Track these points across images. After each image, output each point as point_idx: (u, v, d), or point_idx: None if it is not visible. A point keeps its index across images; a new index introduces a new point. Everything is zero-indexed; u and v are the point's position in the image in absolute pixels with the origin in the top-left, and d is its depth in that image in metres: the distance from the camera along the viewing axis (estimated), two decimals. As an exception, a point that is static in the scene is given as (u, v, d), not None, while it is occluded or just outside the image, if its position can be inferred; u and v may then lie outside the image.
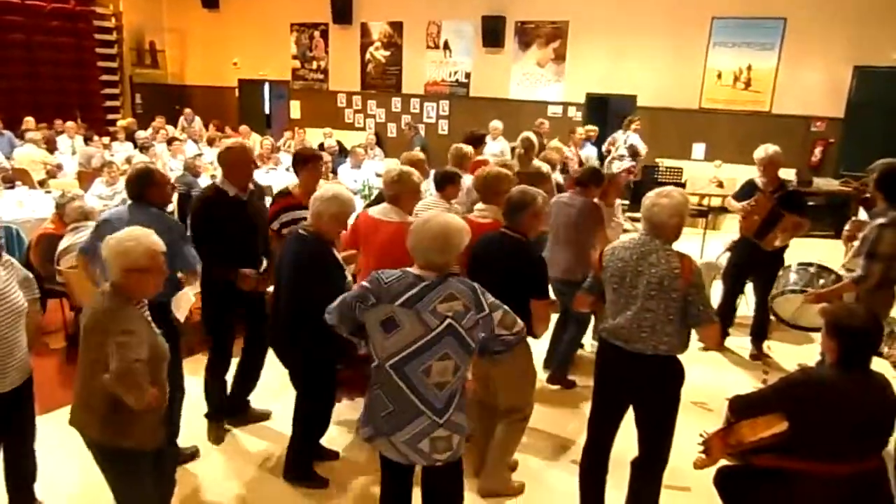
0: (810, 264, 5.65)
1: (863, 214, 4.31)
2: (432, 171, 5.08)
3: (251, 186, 3.94)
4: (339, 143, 12.03)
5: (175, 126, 12.95)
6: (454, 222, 2.67)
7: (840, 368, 2.59)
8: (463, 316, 2.53)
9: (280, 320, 3.49)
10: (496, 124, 9.63)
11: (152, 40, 16.09)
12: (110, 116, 14.69)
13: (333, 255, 3.37)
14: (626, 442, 3.20)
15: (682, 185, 8.63)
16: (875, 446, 2.61)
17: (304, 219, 4.25)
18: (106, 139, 11.31)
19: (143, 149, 9.56)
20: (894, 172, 4.01)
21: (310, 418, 3.64)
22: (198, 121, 13.50)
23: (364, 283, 2.66)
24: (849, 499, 2.51)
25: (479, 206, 4.11)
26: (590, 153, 10.10)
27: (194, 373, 4.68)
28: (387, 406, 2.63)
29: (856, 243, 4.12)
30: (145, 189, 3.60)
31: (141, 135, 10.29)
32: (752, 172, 5.50)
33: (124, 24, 15.28)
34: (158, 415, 2.63)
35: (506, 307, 2.66)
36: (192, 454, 3.92)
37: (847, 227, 4.47)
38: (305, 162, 4.34)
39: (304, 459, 3.70)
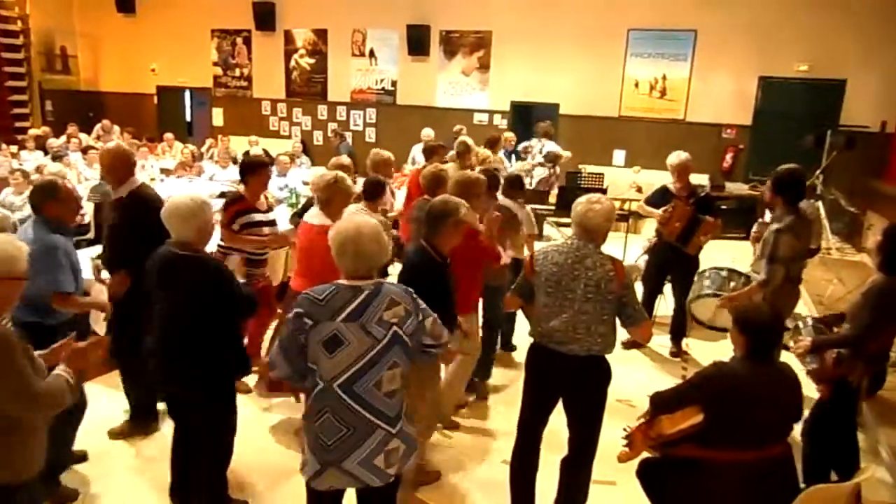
0: (722, 268, 5.97)
1: (769, 216, 4.58)
2: (360, 180, 5.13)
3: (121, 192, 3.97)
4: (265, 151, 11.83)
5: (89, 134, 12.44)
6: (375, 222, 2.61)
7: (749, 361, 2.76)
8: (405, 321, 2.49)
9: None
10: (428, 132, 9.68)
11: (63, 45, 15.39)
12: (18, 124, 13.92)
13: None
14: (555, 440, 3.29)
15: (604, 191, 8.90)
16: (781, 433, 2.79)
17: (260, 222, 4.53)
18: (14, 147, 10.76)
19: (56, 157, 9.15)
20: (789, 176, 4.29)
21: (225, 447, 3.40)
22: (116, 129, 13.01)
23: (295, 310, 2.46)
24: (758, 484, 2.66)
25: None
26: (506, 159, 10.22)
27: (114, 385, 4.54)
28: (338, 430, 2.46)
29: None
30: (44, 202, 3.52)
31: (54, 143, 9.82)
32: (670, 177, 5.74)
33: (32, 27, 14.52)
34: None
35: (436, 315, 2.62)
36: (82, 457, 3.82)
37: (754, 228, 4.74)
38: (253, 170, 4.61)
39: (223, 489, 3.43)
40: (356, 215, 2.74)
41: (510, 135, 10.21)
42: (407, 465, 2.62)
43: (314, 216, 4.06)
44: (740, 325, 2.78)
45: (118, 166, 4.00)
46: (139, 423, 4.21)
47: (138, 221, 3.78)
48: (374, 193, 4.74)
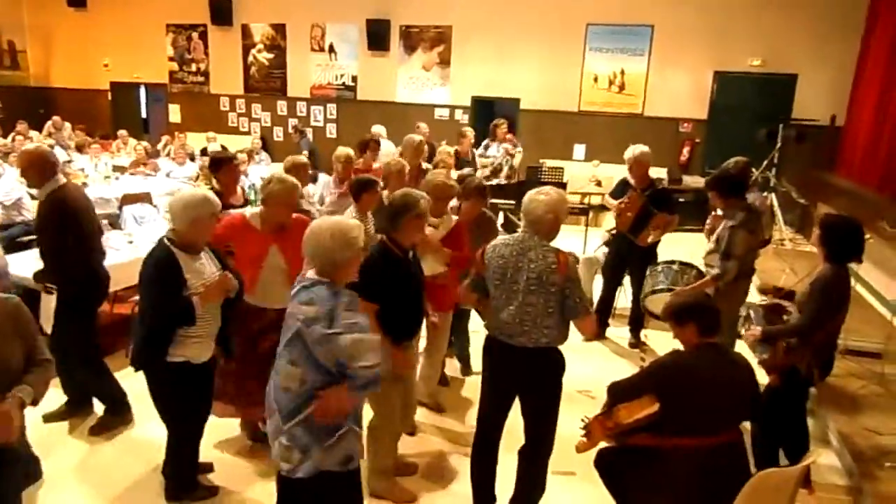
0: (672, 262, 6.03)
1: (719, 209, 4.67)
2: (323, 176, 5.10)
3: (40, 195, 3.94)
4: (223, 147, 11.66)
5: (40, 132, 12.09)
6: (343, 224, 2.64)
7: (703, 350, 2.83)
8: (311, 324, 2.47)
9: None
10: (378, 129, 9.62)
11: (11, 40, 14.93)
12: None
13: (175, 261, 3.12)
14: (514, 432, 3.31)
15: (564, 185, 8.98)
16: (734, 420, 2.86)
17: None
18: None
19: (4, 156, 8.87)
20: (731, 177, 4.41)
21: (170, 440, 3.47)
22: (67, 126, 12.68)
23: None
24: (712, 470, 2.72)
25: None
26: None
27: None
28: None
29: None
30: None
31: (4, 141, 9.51)
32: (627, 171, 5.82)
33: (-23, 21, 14.09)
34: None
35: (365, 336, 2.50)
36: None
37: (708, 221, 4.82)
38: (220, 164, 4.61)
39: (181, 472, 3.52)
40: (330, 217, 2.74)
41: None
42: (302, 471, 2.57)
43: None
44: (684, 314, 2.86)
45: (35, 168, 3.87)
46: (75, 410, 4.30)
47: (55, 224, 3.81)
48: (359, 193, 4.59)
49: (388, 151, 8.63)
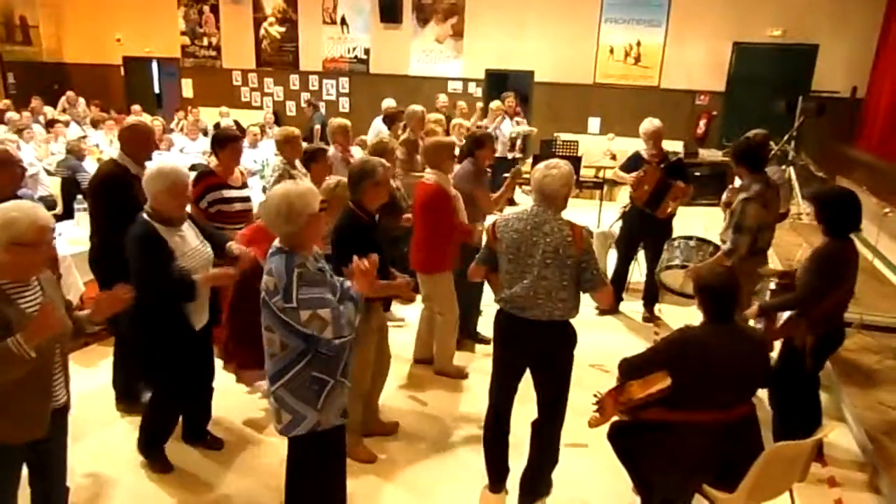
0: (690, 238, 5.98)
1: (739, 182, 4.60)
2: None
3: None
4: (236, 122, 11.64)
5: (55, 107, 12.13)
6: (293, 190, 2.60)
7: (712, 325, 2.82)
8: (272, 295, 2.54)
9: None
10: (389, 103, 9.56)
11: (23, 15, 14.91)
12: (-21, 98, 13.55)
13: (156, 234, 3.14)
14: (526, 406, 3.33)
15: (579, 158, 8.89)
16: (745, 394, 2.85)
17: (231, 198, 4.35)
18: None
19: (19, 132, 8.92)
20: (748, 146, 4.30)
21: (153, 399, 3.60)
22: (81, 102, 12.71)
23: None
24: (724, 443, 2.73)
25: (428, 170, 4.47)
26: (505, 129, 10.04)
27: (87, 364, 4.53)
28: None
29: (733, 210, 4.41)
30: None
31: (15, 117, 9.55)
32: (643, 144, 5.76)
33: (-12, -3, 14.09)
34: (39, 398, 2.39)
35: (322, 312, 2.51)
36: None
37: (725, 195, 4.75)
38: (225, 143, 4.42)
39: (149, 440, 3.62)
40: (284, 186, 2.70)
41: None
42: (292, 432, 2.71)
43: None
44: (698, 290, 2.86)
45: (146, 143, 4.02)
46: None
47: None
48: (307, 162, 4.85)
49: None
